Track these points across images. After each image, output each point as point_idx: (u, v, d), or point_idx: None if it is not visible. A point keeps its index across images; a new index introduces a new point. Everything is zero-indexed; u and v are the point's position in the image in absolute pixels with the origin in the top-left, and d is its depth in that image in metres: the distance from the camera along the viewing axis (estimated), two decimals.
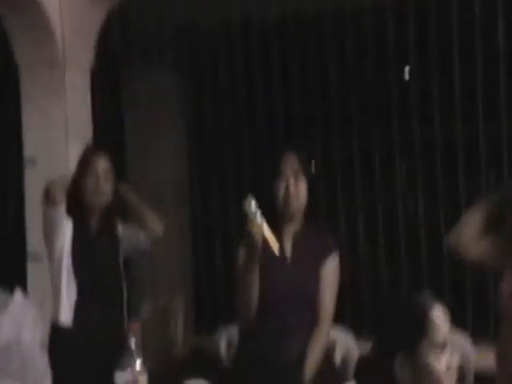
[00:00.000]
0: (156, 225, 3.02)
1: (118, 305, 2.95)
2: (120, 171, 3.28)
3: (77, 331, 2.85)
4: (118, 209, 2.96)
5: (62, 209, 2.87)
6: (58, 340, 2.84)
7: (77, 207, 2.94)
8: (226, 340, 3.81)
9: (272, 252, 2.64)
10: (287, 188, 2.77)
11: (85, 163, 2.96)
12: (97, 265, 2.90)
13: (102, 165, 2.93)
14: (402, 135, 4.19)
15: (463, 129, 4.04)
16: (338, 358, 3.16)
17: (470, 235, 2.48)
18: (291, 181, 2.78)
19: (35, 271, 3.69)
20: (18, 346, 2.38)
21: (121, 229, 3.03)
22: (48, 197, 2.88)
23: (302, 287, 2.77)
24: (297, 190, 2.79)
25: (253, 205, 2.57)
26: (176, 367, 2.80)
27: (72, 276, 2.89)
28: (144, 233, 3.00)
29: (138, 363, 2.11)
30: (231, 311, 4.14)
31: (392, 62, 4.14)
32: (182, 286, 4.57)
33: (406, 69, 4.29)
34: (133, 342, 2.13)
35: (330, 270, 2.82)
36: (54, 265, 2.92)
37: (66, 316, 2.87)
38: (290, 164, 2.81)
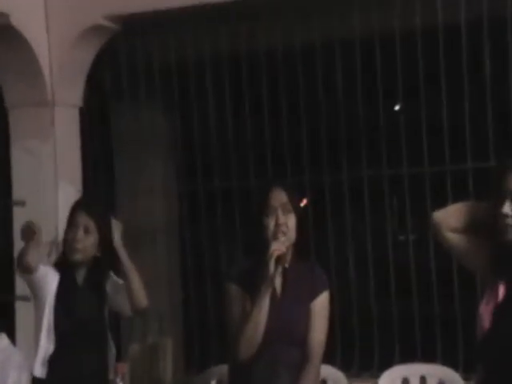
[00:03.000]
0: (141, 297, 3.06)
1: (101, 355, 3.00)
2: (110, 208, 3.36)
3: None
4: (109, 263, 3.02)
5: (39, 272, 2.94)
6: None
7: (62, 262, 3.03)
8: (215, 379, 3.87)
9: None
10: (276, 223, 2.85)
11: (69, 218, 3.05)
12: (79, 318, 2.97)
13: (83, 221, 3.00)
14: (391, 167, 4.28)
15: (451, 164, 4.15)
16: None
17: (453, 221, 2.55)
18: (280, 216, 2.86)
19: (24, 311, 3.75)
20: None
21: (112, 284, 3.09)
22: (21, 265, 2.94)
23: (292, 324, 2.85)
24: (286, 225, 2.86)
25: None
26: None
27: (52, 329, 2.95)
28: (129, 303, 3.06)
29: None
30: (221, 350, 4.22)
31: (381, 93, 4.26)
32: (172, 324, 4.62)
33: (397, 100, 4.40)
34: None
35: (321, 307, 2.90)
36: (36, 317, 3.00)
37: (39, 370, 2.93)
38: (279, 199, 2.89)
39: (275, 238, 2.84)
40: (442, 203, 2.72)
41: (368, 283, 4.30)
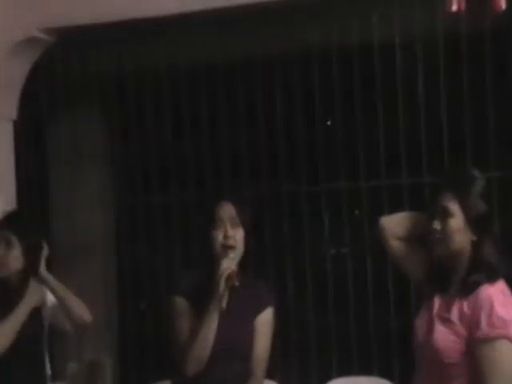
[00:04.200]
0: (81, 313, 3.05)
1: (38, 377, 2.96)
2: (44, 224, 3.32)
3: None
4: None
5: None
6: None
7: None
8: None
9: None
10: (225, 237, 2.86)
11: None
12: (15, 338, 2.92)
13: (4, 235, 3.00)
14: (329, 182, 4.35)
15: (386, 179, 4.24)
16: None
17: (398, 229, 2.64)
18: (229, 229, 2.87)
19: None
20: None
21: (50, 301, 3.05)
22: None
23: (236, 340, 2.86)
24: (235, 239, 2.87)
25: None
26: None
27: None
28: (70, 321, 3.03)
29: None
30: (158, 367, 4.19)
31: (338, 104, 4.32)
32: (108, 341, 4.57)
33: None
34: None
35: (264, 323, 2.93)
36: None
37: None
38: (227, 212, 2.90)
39: (225, 254, 2.86)
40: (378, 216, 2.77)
41: (305, 297, 4.35)
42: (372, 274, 4.24)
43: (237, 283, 2.84)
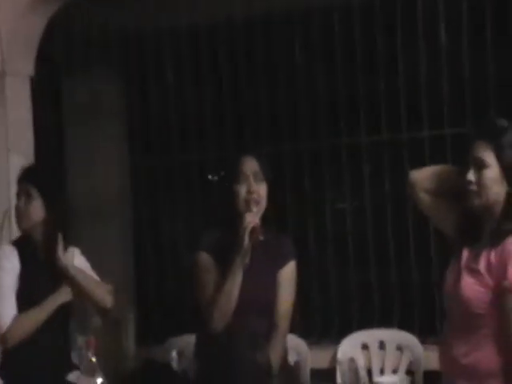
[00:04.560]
0: (104, 299, 3.02)
1: (61, 330, 2.97)
2: (60, 182, 3.32)
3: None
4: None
5: None
6: None
7: (21, 237, 3.00)
8: (176, 349, 3.90)
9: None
10: (248, 191, 2.86)
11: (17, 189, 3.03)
12: (36, 301, 2.92)
13: (24, 188, 2.99)
14: (351, 136, 4.32)
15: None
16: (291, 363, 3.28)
17: (428, 182, 2.62)
18: (252, 183, 2.86)
19: None
20: None
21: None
22: None
23: (260, 293, 2.88)
24: (258, 193, 2.88)
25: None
26: (131, 380, 2.88)
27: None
28: (93, 307, 3.02)
29: (100, 381, 2.18)
30: (178, 322, 4.24)
31: (340, 61, 4.28)
32: (127, 297, 4.60)
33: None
34: (93, 358, 2.19)
35: (288, 277, 2.96)
36: None
37: None
38: (250, 167, 2.90)
39: (248, 209, 2.86)
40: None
41: (326, 251, 4.36)
42: (392, 227, 4.23)
43: (261, 237, 2.86)
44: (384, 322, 4.13)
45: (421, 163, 3.12)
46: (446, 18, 4.10)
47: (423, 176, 2.66)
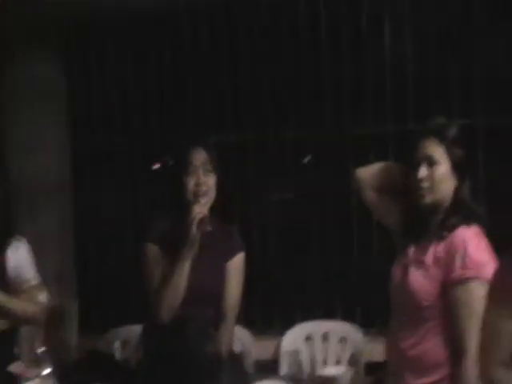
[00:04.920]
0: (36, 311, 2.97)
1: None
2: None
3: None
4: None
5: None
6: None
7: None
8: (119, 340, 3.86)
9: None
10: (197, 183, 2.85)
11: None
12: None
13: None
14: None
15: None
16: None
17: (374, 179, 2.68)
18: (201, 175, 2.86)
19: None
20: None
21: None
22: None
23: (208, 284, 2.89)
24: (207, 185, 2.88)
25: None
26: (74, 369, 2.84)
27: None
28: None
29: (47, 371, 2.14)
30: (121, 312, 4.19)
31: (286, 51, 4.28)
32: (69, 287, 4.52)
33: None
34: (40, 349, 2.15)
35: (236, 268, 2.97)
36: None
37: None
38: (200, 158, 2.89)
39: (197, 200, 2.85)
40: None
41: (269, 243, 4.37)
42: (335, 219, 4.27)
43: (209, 228, 2.85)
44: (328, 313, 4.17)
45: (364, 158, 3.17)
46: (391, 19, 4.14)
47: (368, 173, 2.71)
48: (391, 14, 4.15)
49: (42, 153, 4.72)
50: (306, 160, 4.72)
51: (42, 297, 3.01)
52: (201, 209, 2.83)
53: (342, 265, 4.26)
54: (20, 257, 2.97)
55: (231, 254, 2.96)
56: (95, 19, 4.51)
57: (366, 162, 2.86)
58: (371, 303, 4.04)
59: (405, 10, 4.11)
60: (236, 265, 2.97)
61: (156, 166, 4.78)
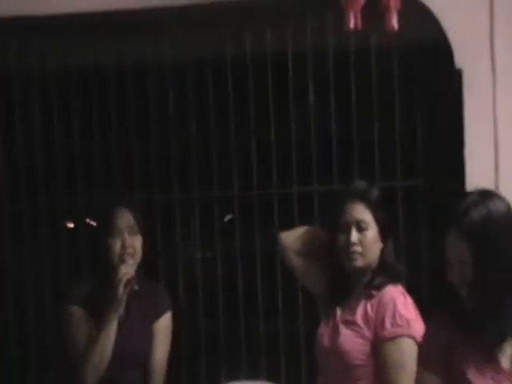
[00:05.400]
0: None
1: None
2: None
3: None
4: None
5: None
6: None
7: None
8: None
9: None
10: (123, 245, 2.85)
11: None
12: None
13: None
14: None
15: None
16: None
17: (299, 243, 2.70)
18: (127, 238, 2.85)
19: None
20: None
21: None
22: None
23: (135, 346, 2.85)
24: (133, 247, 2.85)
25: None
26: None
27: None
28: None
29: None
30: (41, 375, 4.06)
31: (212, 115, 4.34)
32: None
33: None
34: None
35: (163, 329, 2.96)
36: None
37: None
38: (125, 220, 2.89)
39: (123, 261, 2.84)
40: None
41: (196, 302, 4.35)
42: (262, 278, 4.28)
43: (136, 287, 2.84)
44: (252, 373, 4.15)
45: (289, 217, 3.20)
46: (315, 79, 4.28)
47: (292, 238, 2.75)
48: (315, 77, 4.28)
49: None
50: (226, 218, 4.80)
51: None
52: (127, 269, 2.83)
53: (266, 325, 4.27)
54: None
55: (158, 315, 2.96)
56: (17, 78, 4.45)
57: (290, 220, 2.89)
58: (297, 363, 4.06)
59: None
60: (163, 326, 2.97)
61: (70, 226, 4.72)
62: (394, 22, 3.42)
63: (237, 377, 4.09)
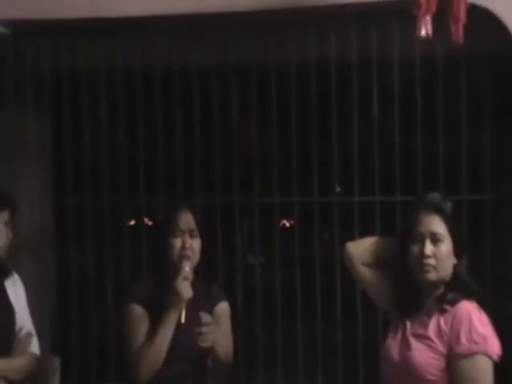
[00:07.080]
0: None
1: None
2: None
3: None
4: None
5: None
6: None
7: None
8: None
9: None
10: (183, 246, 2.88)
11: None
12: None
13: None
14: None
15: None
16: None
17: (365, 254, 2.66)
18: (187, 239, 2.86)
19: None
20: None
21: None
22: None
23: (191, 344, 2.88)
24: (192, 249, 2.94)
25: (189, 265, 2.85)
26: None
27: None
28: None
29: None
30: (100, 370, 4.10)
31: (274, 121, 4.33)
32: (51, 344, 4.40)
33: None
34: None
35: (222, 313, 3.02)
36: None
37: None
38: (187, 223, 2.93)
39: (180, 260, 2.90)
40: None
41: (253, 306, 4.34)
42: (321, 290, 4.25)
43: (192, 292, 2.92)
44: (308, 381, 4.13)
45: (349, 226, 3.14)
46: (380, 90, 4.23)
47: (360, 248, 2.70)
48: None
49: (24, 205, 4.64)
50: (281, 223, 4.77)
51: (35, 346, 2.99)
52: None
53: (325, 334, 4.22)
54: (19, 291, 2.97)
55: (215, 303, 3.03)
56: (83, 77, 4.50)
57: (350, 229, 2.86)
58: (354, 372, 4.02)
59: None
60: (222, 310, 3.03)
61: (132, 223, 4.76)
62: (461, 32, 3.39)
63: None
